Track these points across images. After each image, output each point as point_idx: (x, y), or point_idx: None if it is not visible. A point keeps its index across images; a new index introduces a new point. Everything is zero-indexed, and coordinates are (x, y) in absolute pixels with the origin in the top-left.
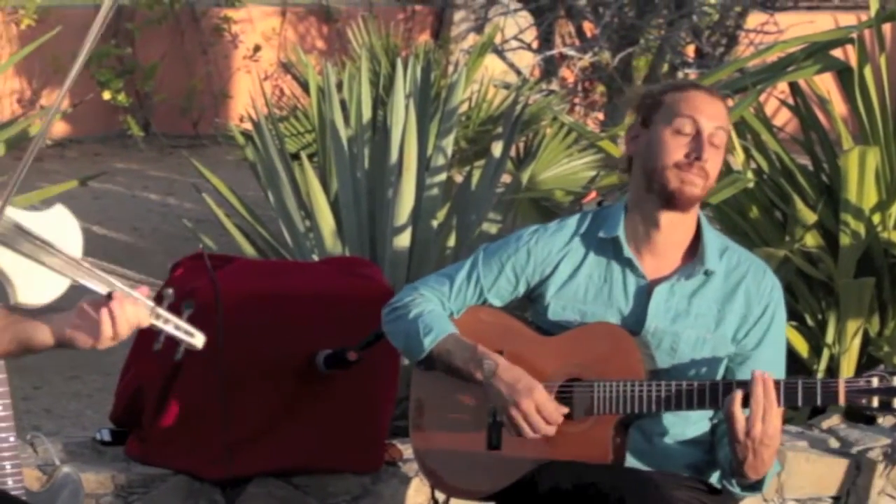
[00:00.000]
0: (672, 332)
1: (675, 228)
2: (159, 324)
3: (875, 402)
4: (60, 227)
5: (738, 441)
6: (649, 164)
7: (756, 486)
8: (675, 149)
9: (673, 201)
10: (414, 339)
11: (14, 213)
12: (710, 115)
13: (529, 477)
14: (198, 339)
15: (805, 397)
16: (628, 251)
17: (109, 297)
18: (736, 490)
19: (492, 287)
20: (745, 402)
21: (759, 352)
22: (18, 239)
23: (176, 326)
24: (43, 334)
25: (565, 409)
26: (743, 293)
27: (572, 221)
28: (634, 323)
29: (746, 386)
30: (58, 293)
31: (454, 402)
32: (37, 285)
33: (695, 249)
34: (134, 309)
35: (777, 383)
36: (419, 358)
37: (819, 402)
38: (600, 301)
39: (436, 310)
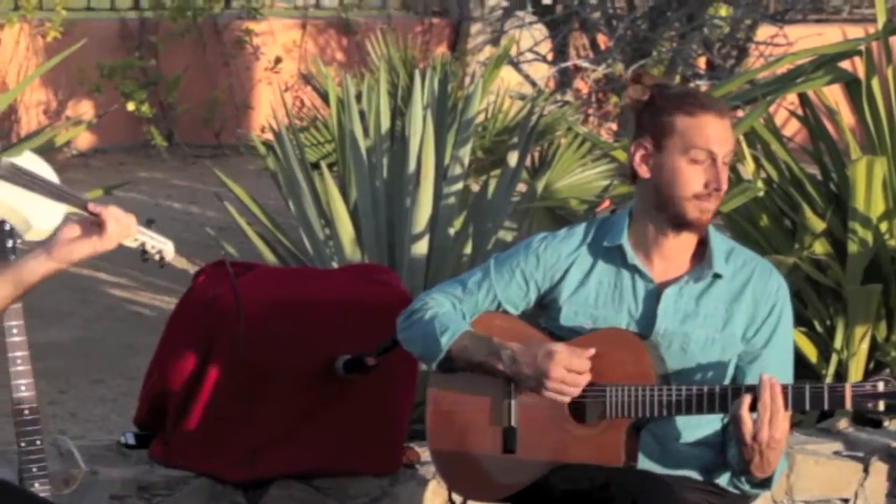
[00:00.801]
0: (682, 333)
1: (681, 237)
2: (139, 235)
3: (881, 406)
4: (38, 164)
5: (745, 444)
6: (666, 192)
7: (765, 484)
8: (693, 179)
9: (689, 228)
10: (431, 339)
11: (6, 160)
12: (722, 140)
13: (544, 479)
14: (170, 246)
15: (812, 401)
16: (633, 258)
17: (87, 210)
18: (745, 488)
19: (504, 293)
20: (753, 406)
21: (769, 350)
22: (18, 178)
23: (150, 237)
24: (35, 262)
25: (591, 351)
26: (750, 293)
27: (580, 229)
28: (645, 325)
29: (754, 390)
30: (60, 219)
31: (469, 406)
32: (43, 214)
33: (702, 252)
34: (120, 213)
35: (785, 388)
36: (438, 358)
37: (826, 406)
38: (611, 305)
39: (450, 311)
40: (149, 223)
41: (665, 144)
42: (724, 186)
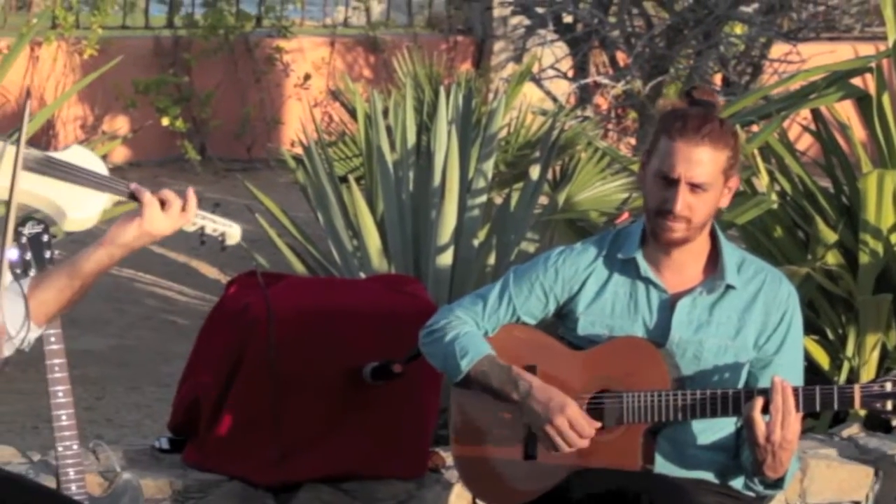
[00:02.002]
0: (696, 342)
1: (684, 249)
2: (197, 219)
3: (889, 406)
4: (84, 156)
5: (757, 445)
6: (644, 205)
7: (777, 485)
8: (657, 196)
9: (659, 243)
10: (451, 362)
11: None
12: (689, 164)
13: (564, 484)
14: (236, 229)
15: (823, 402)
16: (646, 270)
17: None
18: (759, 489)
19: (523, 306)
20: (765, 409)
21: (780, 356)
22: (51, 168)
23: (212, 220)
24: (87, 251)
25: (598, 424)
26: (761, 302)
27: (596, 242)
28: (660, 335)
29: (766, 393)
30: (100, 208)
31: (492, 414)
32: (82, 203)
33: (714, 262)
34: (177, 195)
35: (795, 390)
36: (457, 379)
37: (836, 406)
38: (627, 316)
39: (471, 331)
40: (215, 207)
41: (651, 160)
42: (680, 208)
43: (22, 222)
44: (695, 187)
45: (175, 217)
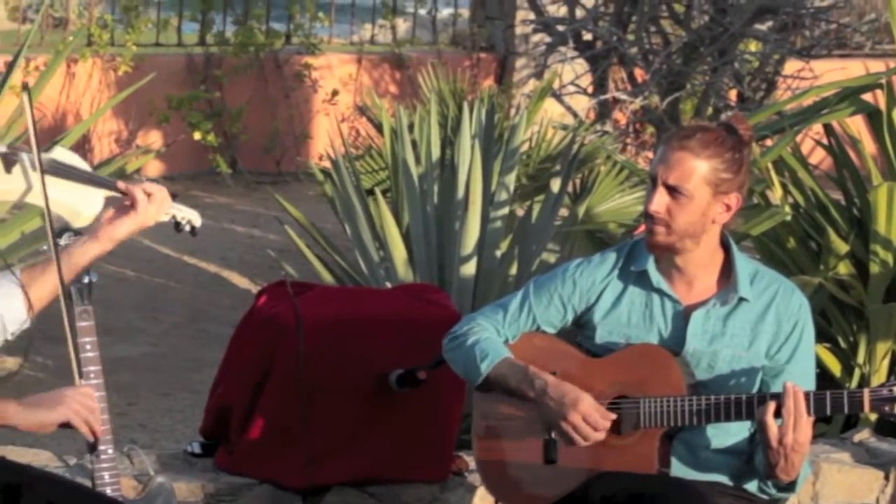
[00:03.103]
0: (710, 353)
1: (691, 259)
2: (169, 209)
3: None
4: (69, 156)
5: (770, 448)
6: None
7: (790, 487)
8: (647, 199)
9: (647, 247)
10: (472, 365)
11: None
12: (664, 163)
13: (583, 487)
14: (196, 214)
15: (833, 406)
16: (658, 282)
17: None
18: (772, 491)
19: (543, 315)
20: (778, 413)
21: (792, 365)
22: (60, 171)
23: (179, 210)
24: (84, 247)
25: (612, 416)
26: (774, 313)
27: (612, 254)
28: (674, 345)
29: (779, 398)
30: (101, 204)
31: (512, 419)
32: (87, 201)
33: (727, 274)
34: (156, 187)
35: (807, 394)
36: (477, 382)
37: (846, 410)
38: (643, 326)
39: (491, 337)
40: (174, 197)
41: None
42: (651, 208)
43: (59, 234)
44: (671, 190)
45: (160, 207)
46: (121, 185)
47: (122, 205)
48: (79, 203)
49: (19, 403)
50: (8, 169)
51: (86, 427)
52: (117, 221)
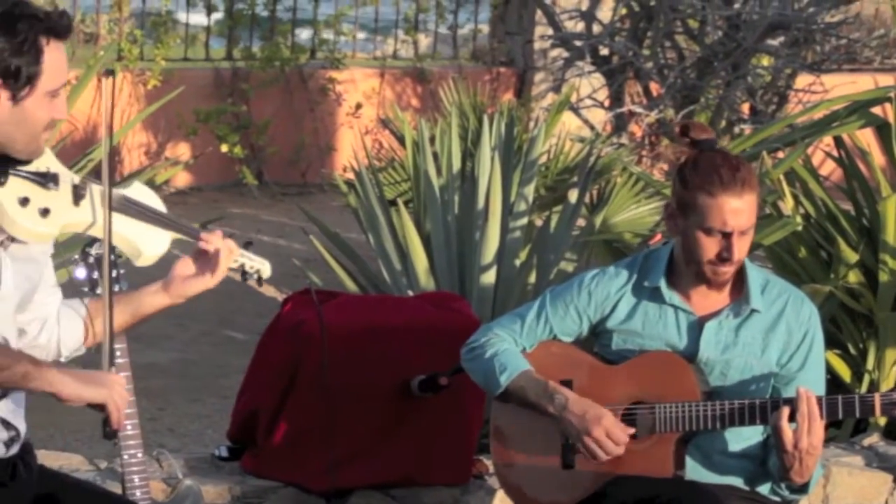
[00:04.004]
0: (723, 361)
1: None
2: (238, 258)
3: None
4: (145, 193)
5: (785, 451)
6: (687, 254)
7: (803, 489)
8: (708, 249)
9: (708, 284)
10: (491, 377)
11: (117, 191)
12: (737, 217)
13: (601, 491)
14: (267, 266)
15: (845, 410)
16: (671, 298)
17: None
18: (786, 493)
19: (559, 325)
20: (792, 417)
21: (803, 373)
22: (129, 208)
23: (250, 259)
24: (152, 297)
25: (631, 430)
26: (784, 323)
27: (627, 267)
28: (688, 354)
29: (792, 403)
30: (167, 245)
31: (531, 425)
32: (152, 242)
33: (739, 285)
34: (224, 240)
35: (819, 399)
36: (496, 394)
37: (857, 414)
38: (657, 336)
39: (510, 349)
40: (247, 245)
41: (688, 215)
42: (737, 256)
43: (90, 243)
44: (743, 233)
45: (227, 263)
46: (204, 235)
47: (201, 262)
48: (141, 242)
49: (61, 371)
50: (77, 202)
51: (117, 415)
52: (192, 280)
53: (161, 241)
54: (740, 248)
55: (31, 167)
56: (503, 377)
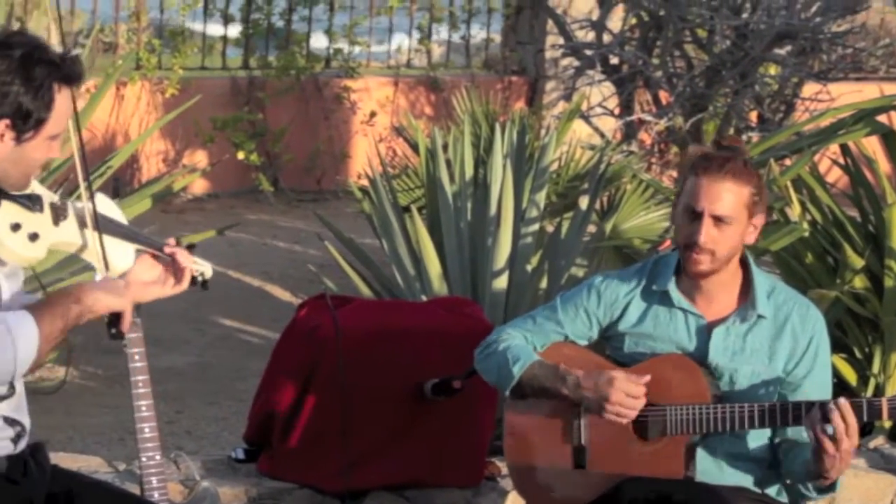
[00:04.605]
0: (731, 368)
1: (716, 279)
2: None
3: None
4: (109, 205)
5: (828, 454)
6: (674, 240)
7: (832, 487)
8: (684, 231)
9: (687, 273)
10: (504, 369)
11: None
12: (710, 195)
13: (612, 492)
14: (208, 267)
15: (854, 414)
16: (680, 301)
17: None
18: (813, 495)
19: (570, 328)
20: (825, 419)
21: (809, 379)
22: (106, 225)
23: (193, 262)
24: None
25: (646, 377)
26: (790, 330)
27: (636, 271)
28: (698, 358)
29: (808, 406)
30: (131, 260)
31: (542, 427)
32: (123, 256)
33: (747, 290)
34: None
35: (826, 403)
36: (510, 384)
37: (865, 417)
38: (667, 339)
39: (521, 343)
40: (190, 248)
41: (680, 198)
42: (703, 239)
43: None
44: (717, 220)
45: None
46: (169, 249)
47: (166, 268)
48: (113, 256)
49: (92, 289)
50: (56, 222)
51: (130, 317)
52: (153, 286)
53: (128, 254)
54: (713, 237)
55: (24, 192)
56: (516, 367)
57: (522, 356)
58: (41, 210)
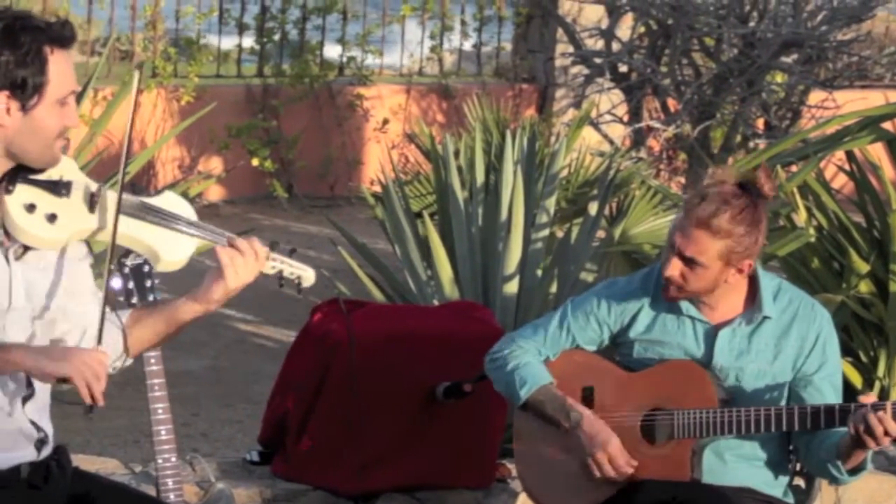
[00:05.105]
0: (736, 368)
1: (710, 297)
2: (276, 263)
3: None
4: (175, 202)
5: (868, 448)
6: None
7: (864, 467)
8: (663, 256)
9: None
10: (512, 389)
11: (135, 198)
12: (685, 239)
13: (620, 494)
14: (310, 272)
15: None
16: (687, 310)
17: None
18: (845, 477)
19: (580, 334)
20: (843, 423)
21: (820, 374)
22: (147, 214)
23: (289, 265)
24: (185, 305)
25: (635, 463)
26: (796, 328)
27: (644, 278)
28: (703, 361)
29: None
30: (190, 252)
31: (552, 431)
32: (174, 248)
33: (753, 294)
34: (251, 245)
35: (831, 406)
36: (517, 403)
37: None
38: (676, 344)
39: (531, 361)
40: (291, 252)
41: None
42: (666, 273)
43: (125, 253)
44: (686, 260)
45: (250, 267)
46: (232, 240)
47: (217, 269)
48: (160, 247)
49: (26, 349)
50: (92, 208)
51: (85, 388)
52: (212, 286)
53: (182, 248)
54: (682, 272)
55: (45, 176)
56: (523, 391)
57: (530, 380)
58: (67, 194)
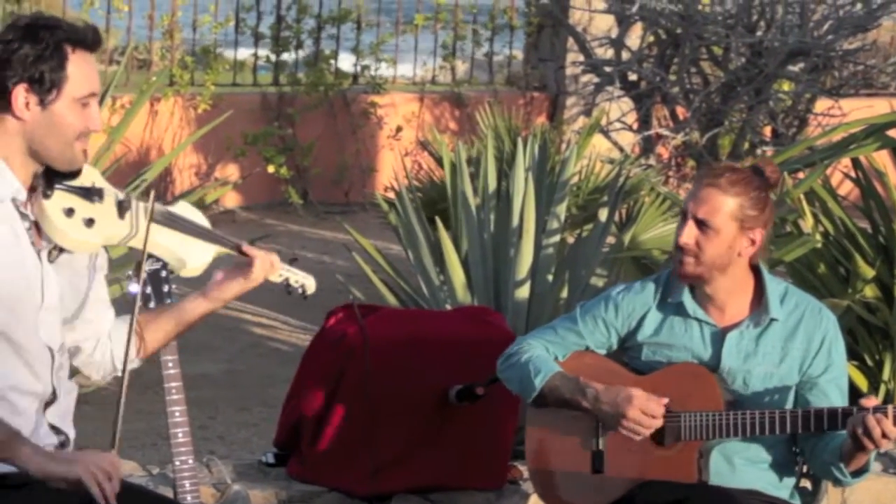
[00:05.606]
0: (744, 370)
1: (719, 287)
2: (283, 272)
3: None
4: (190, 210)
5: (869, 450)
6: None
7: (867, 469)
8: (676, 232)
9: (677, 276)
10: (526, 380)
11: (162, 206)
12: (697, 201)
13: (628, 495)
14: (311, 280)
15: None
16: (695, 311)
17: (240, 250)
18: (849, 479)
19: (590, 338)
20: (843, 426)
21: (826, 376)
22: (173, 222)
23: (294, 274)
24: (193, 303)
25: (664, 399)
26: (803, 331)
27: (651, 284)
28: (711, 364)
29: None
30: (210, 258)
31: (562, 433)
32: (196, 254)
33: (760, 297)
34: (265, 253)
35: (835, 409)
36: (532, 395)
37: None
38: (683, 348)
39: (542, 354)
40: (292, 261)
41: None
42: (683, 239)
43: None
44: (700, 224)
45: (267, 272)
46: (245, 248)
47: (233, 267)
48: (185, 254)
49: (34, 449)
50: (121, 215)
51: (97, 488)
52: (226, 284)
53: (205, 253)
54: (696, 239)
55: (78, 183)
56: (538, 379)
57: (544, 368)
58: (100, 200)
